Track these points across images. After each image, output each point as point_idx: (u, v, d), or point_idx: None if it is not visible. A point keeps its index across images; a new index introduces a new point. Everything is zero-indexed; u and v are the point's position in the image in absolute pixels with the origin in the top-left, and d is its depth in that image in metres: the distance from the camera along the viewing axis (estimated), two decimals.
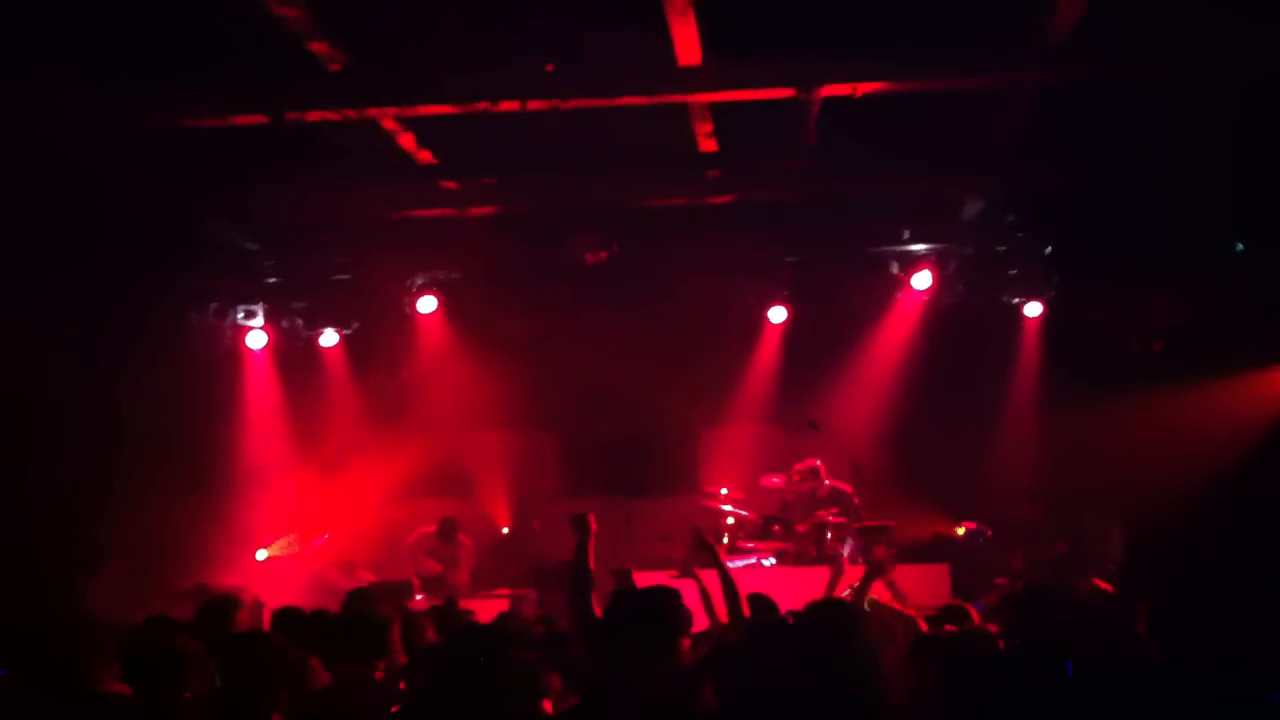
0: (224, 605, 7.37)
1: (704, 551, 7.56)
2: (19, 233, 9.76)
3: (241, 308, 13.19)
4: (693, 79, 8.93)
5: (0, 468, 10.34)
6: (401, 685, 6.02)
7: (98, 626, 6.52)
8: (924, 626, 6.91)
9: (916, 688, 5.35)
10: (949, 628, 6.86)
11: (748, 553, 12.12)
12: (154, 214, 10.90)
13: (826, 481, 12.16)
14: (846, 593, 7.46)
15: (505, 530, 13.93)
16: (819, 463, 12.18)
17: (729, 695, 4.81)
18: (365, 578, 12.40)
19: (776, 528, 12.24)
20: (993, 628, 6.83)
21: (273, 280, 13.18)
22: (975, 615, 7.41)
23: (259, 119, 8.96)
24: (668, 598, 5.13)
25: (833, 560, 11.30)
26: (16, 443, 10.48)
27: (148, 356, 11.68)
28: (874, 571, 7.49)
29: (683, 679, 4.87)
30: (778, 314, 13.13)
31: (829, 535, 11.79)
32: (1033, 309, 12.75)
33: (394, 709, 5.39)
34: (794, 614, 6.32)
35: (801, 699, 4.44)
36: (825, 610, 5.52)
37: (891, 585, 8.37)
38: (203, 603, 7.71)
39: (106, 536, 11.34)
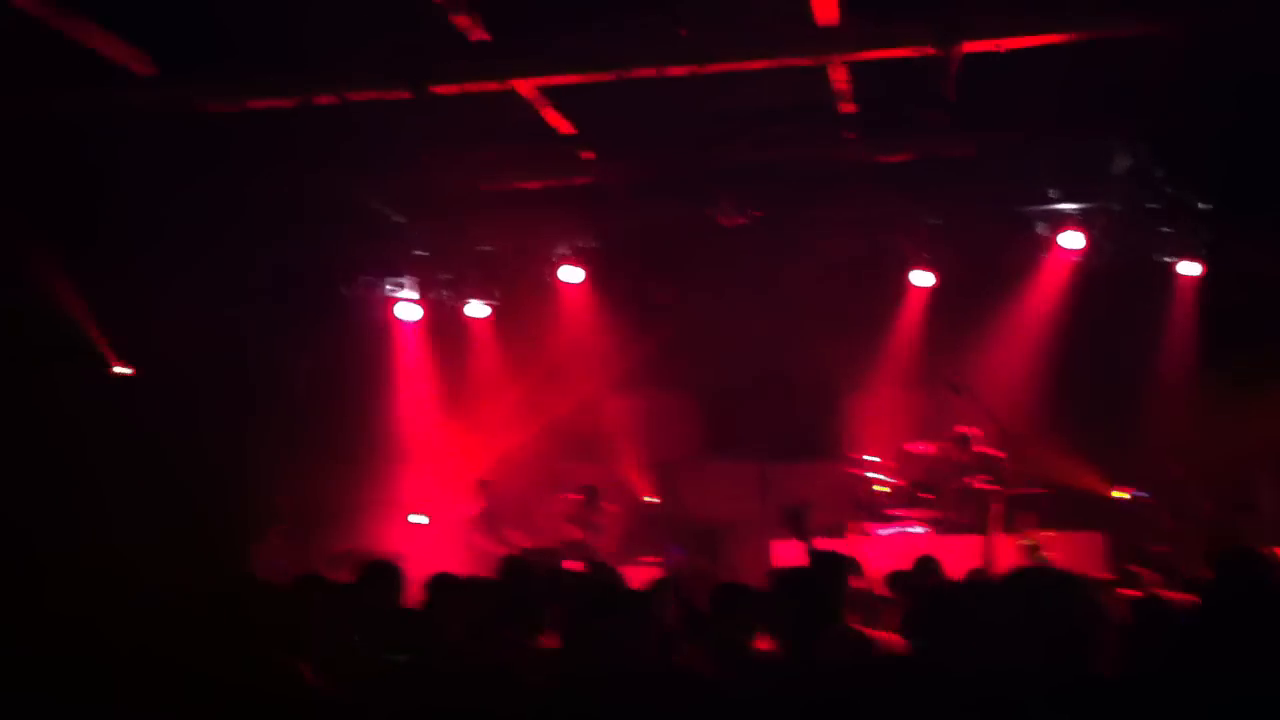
0: (386, 571, 7.52)
1: (794, 524, 7.47)
2: (183, 214, 10.15)
3: (390, 280, 13.49)
4: (831, 39, 8.85)
5: (171, 440, 10.79)
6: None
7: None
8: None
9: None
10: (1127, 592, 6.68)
11: (896, 520, 12.04)
12: (309, 189, 11.21)
13: (978, 448, 11.98)
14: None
15: (648, 496, 14.03)
16: (971, 429, 12.01)
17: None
18: (517, 543, 12.63)
19: (925, 495, 12.12)
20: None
21: (420, 252, 13.45)
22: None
23: (403, 94, 9.15)
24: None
25: (983, 528, 11.23)
26: (185, 415, 10.92)
27: (304, 329, 12.08)
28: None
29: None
30: (921, 276, 12.95)
31: (977, 502, 11.64)
32: (1187, 267, 12.34)
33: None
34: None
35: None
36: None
37: (1035, 550, 8.29)
38: (357, 567, 7.88)
39: (271, 504, 11.77)
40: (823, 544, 7.95)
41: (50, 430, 10.14)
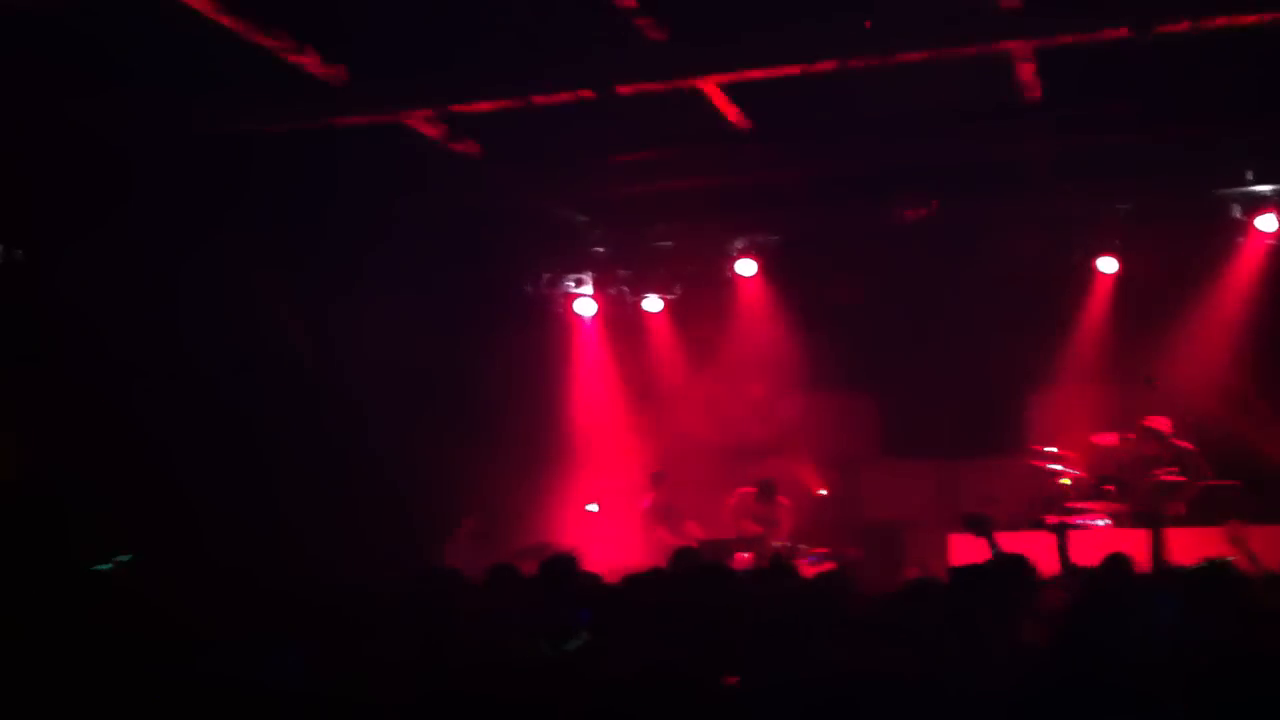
0: (565, 563, 7.67)
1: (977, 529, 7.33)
2: (363, 207, 10.50)
3: (571, 277, 13.73)
4: (1017, 24, 8.71)
5: (369, 442, 11.18)
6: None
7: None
8: None
9: None
10: None
11: (1080, 513, 11.76)
12: (491, 190, 11.48)
13: (1172, 441, 11.63)
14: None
15: (824, 492, 13.95)
16: (1160, 421, 11.67)
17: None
18: (693, 534, 12.71)
19: (1110, 488, 11.81)
20: None
21: (599, 249, 13.64)
22: None
23: (587, 94, 9.30)
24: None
25: (1172, 521, 10.92)
26: (381, 418, 11.30)
27: (493, 328, 12.38)
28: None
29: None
30: (1108, 265, 12.61)
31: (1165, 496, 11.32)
32: None
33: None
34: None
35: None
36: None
37: (1240, 544, 7.96)
38: (544, 559, 8.05)
39: (461, 501, 12.09)
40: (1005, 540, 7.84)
41: (254, 435, 10.57)
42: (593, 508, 13.44)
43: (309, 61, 9.04)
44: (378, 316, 11.09)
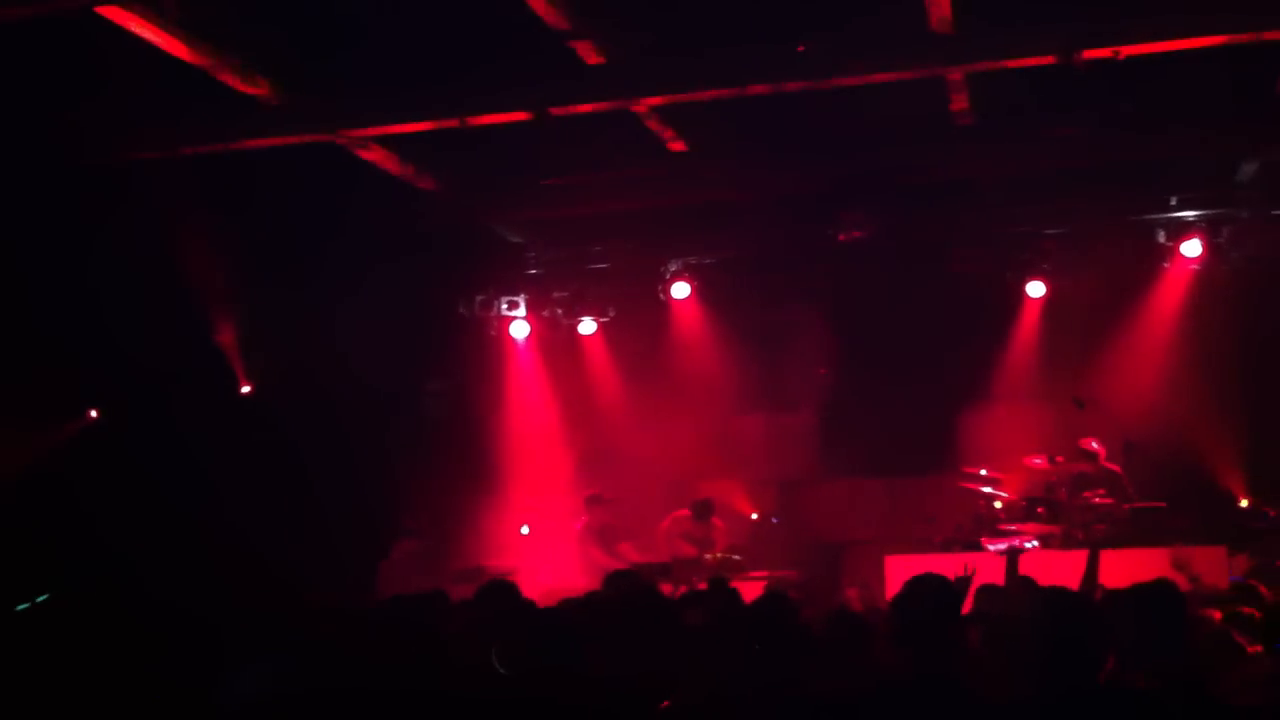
0: (503, 588, 7.63)
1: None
2: (303, 228, 10.44)
3: (505, 299, 13.69)
4: (948, 51, 8.84)
5: (300, 460, 11.07)
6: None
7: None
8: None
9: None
10: (1246, 610, 6.53)
11: (1009, 536, 11.87)
12: (427, 210, 11.46)
13: (1104, 463, 11.80)
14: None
15: (756, 517, 13.96)
16: (1096, 444, 11.83)
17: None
18: (628, 555, 12.68)
19: (1041, 509, 11.94)
20: None
21: (534, 271, 13.63)
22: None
23: (522, 116, 9.30)
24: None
25: (1099, 543, 11.05)
26: (311, 436, 11.19)
27: (428, 349, 12.32)
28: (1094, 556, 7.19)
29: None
30: (1037, 288, 12.79)
31: (1093, 518, 11.47)
32: None
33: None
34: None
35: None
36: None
37: (1184, 568, 8.09)
38: (481, 583, 8.00)
39: (398, 520, 12.00)
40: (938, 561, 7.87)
41: (182, 449, 10.44)
42: (525, 530, 13.37)
43: (242, 81, 8.97)
44: (311, 336, 11.00)
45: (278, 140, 9.74)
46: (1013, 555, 7.14)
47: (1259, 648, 5.56)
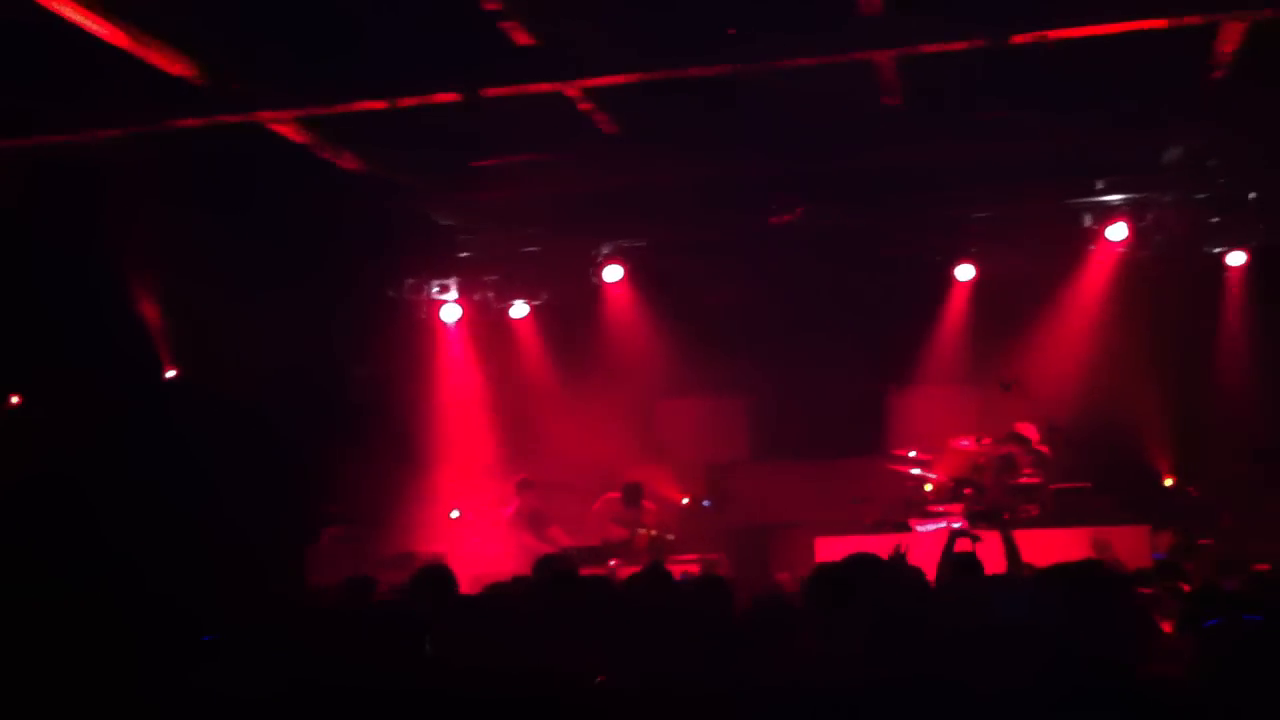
0: (437, 575, 7.57)
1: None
2: (230, 212, 10.28)
3: (436, 282, 13.58)
4: (876, 35, 8.84)
5: (227, 444, 10.90)
6: None
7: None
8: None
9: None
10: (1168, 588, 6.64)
11: (937, 517, 11.99)
12: (356, 193, 11.31)
13: (1034, 446, 11.93)
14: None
15: (687, 501, 13.98)
16: (1032, 429, 11.96)
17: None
18: (559, 540, 12.66)
19: (967, 491, 12.06)
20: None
21: (466, 254, 13.52)
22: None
23: (452, 98, 9.20)
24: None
25: (1025, 523, 11.20)
26: (239, 418, 11.03)
27: (357, 333, 12.19)
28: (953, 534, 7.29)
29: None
30: (965, 271, 12.90)
31: (1019, 498, 11.62)
32: (1236, 258, 12.25)
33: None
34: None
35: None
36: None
37: (1105, 549, 8.22)
38: (413, 570, 7.93)
39: (326, 505, 11.87)
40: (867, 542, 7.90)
41: (103, 435, 10.25)
42: (455, 515, 13.30)
43: (164, 62, 8.78)
44: (238, 319, 10.83)
45: (201, 122, 9.54)
46: (952, 537, 7.19)
47: (1170, 626, 5.66)
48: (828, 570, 5.27)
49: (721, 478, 14.17)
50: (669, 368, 13.59)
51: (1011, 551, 6.92)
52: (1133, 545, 10.48)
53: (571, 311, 13.75)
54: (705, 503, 13.82)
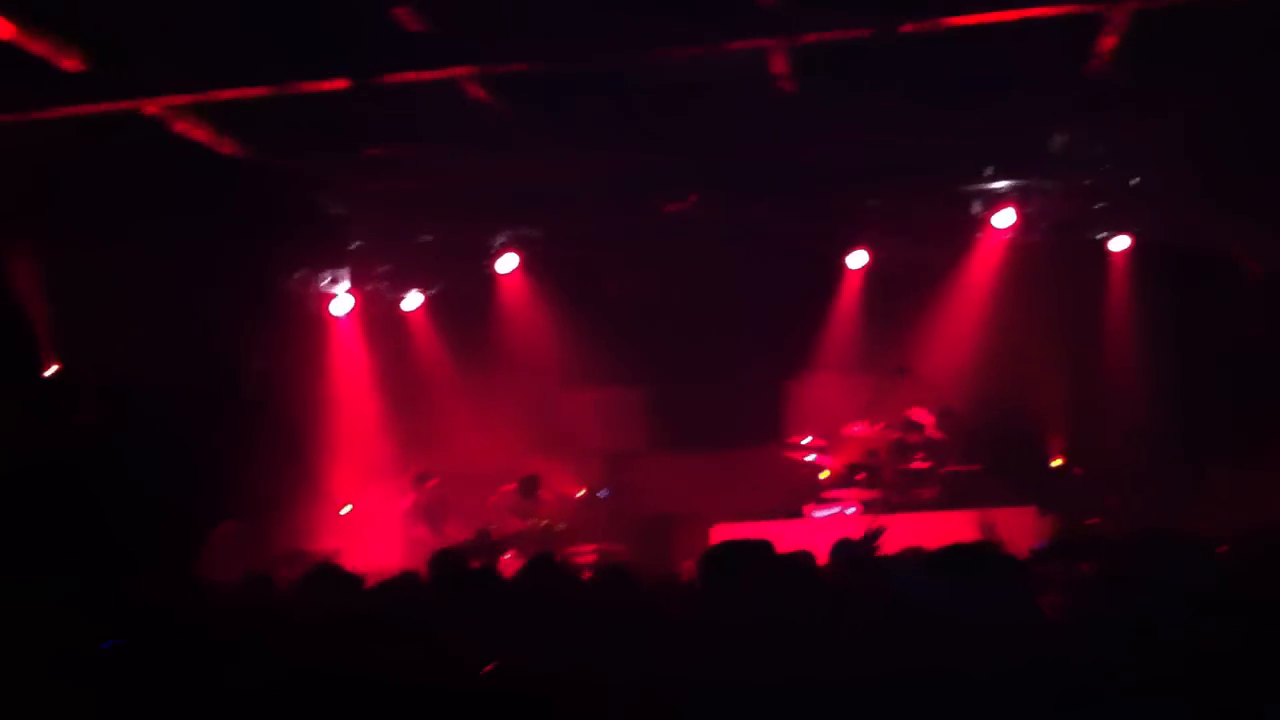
0: (330, 573, 7.44)
1: None
2: (116, 202, 9.99)
3: (327, 273, 13.35)
4: (770, 22, 8.87)
5: (121, 436, 10.61)
6: None
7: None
8: None
9: None
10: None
11: (832, 502, 12.11)
12: (244, 181, 11.07)
13: (928, 432, 12.09)
14: None
15: (583, 493, 13.92)
16: (927, 415, 12.11)
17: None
18: (455, 534, 12.55)
19: (861, 476, 12.19)
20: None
21: (357, 245, 13.31)
22: None
23: (342, 84, 9.04)
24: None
25: (918, 506, 11.38)
26: (127, 414, 10.74)
27: (246, 325, 11.93)
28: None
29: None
30: (858, 258, 13.02)
31: (912, 482, 11.78)
32: (1120, 243, 12.52)
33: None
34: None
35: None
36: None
37: (990, 530, 8.33)
38: (305, 568, 7.81)
39: (219, 502, 11.59)
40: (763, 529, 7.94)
41: None
42: (346, 510, 13.11)
43: (45, 49, 8.50)
44: (122, 313, 10.54)
45: (86, 109, 9.26)
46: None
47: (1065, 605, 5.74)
48: (716, 553, 5.30)
49: (621, 468, 14.14)
50: (566, 358, 13.53)
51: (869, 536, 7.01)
52: (1021, 526, 10.67)
53: (467, 303, 13.61)
54: (602, 492, 13.79)
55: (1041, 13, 8.78)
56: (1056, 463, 12.43)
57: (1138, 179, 12.08)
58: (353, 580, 7.30)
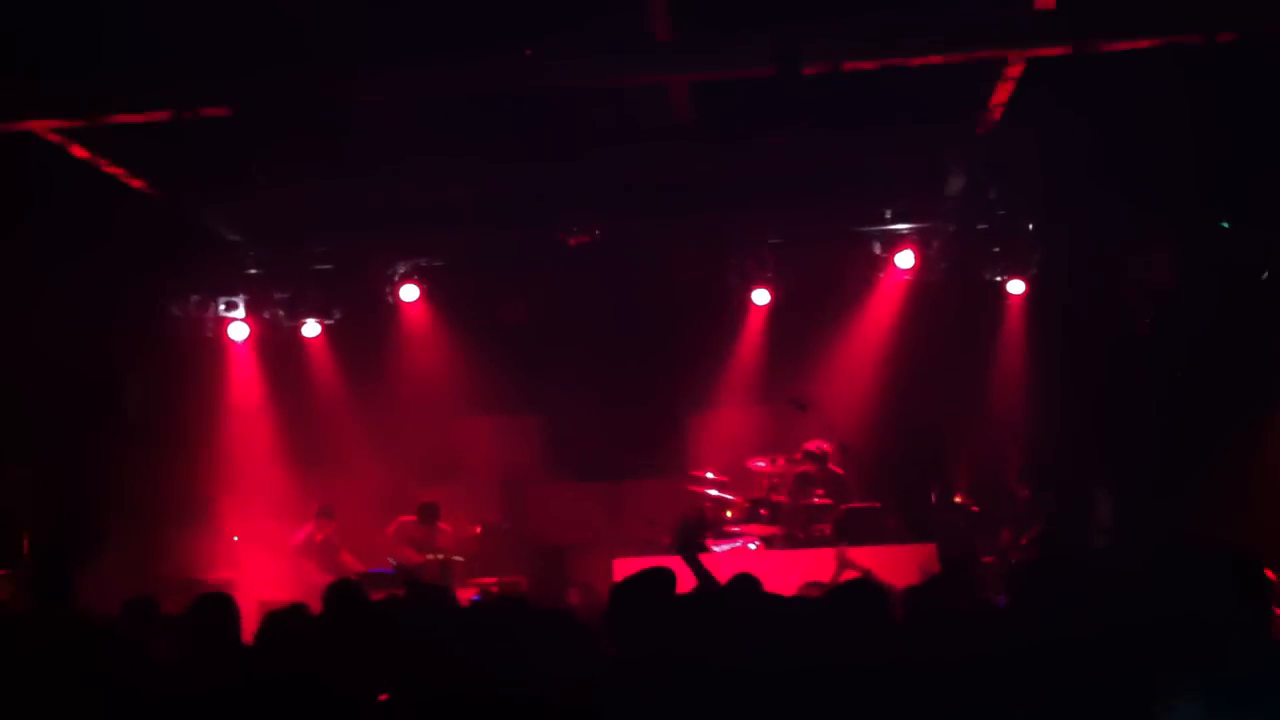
0: (219, 603, 7.28)
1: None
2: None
3: (223, 299, 13.12)
4: (670, 59, 8.92)
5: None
6: None
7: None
8: None
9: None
10: None
11: (734, 536, 12.11)
12: (136, 205, 10.87)
13: (830, 465, 12.15)
14: None
15: (480, 528, 13.76)
16: (827, 447, 12.17)
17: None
18: (351, 568, 12.37)
19: (764, 511, 12.22)
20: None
21: (254, 271, 13.12)
22: None
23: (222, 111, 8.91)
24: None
25: (818, 542, 11.40)
26: (27, 441, 10.51)
27: (132, 349, 11.69)
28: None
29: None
30: (761, 295, 13.10)
31: (812, 518, 11.83)
32: (1016, 286, 12.74)
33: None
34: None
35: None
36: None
37: (848, 565, 8.48)
38: (193, 598, 7.61)
39: (101, 528, 11.33)
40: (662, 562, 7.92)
41: None
42: (236, 539, 12.86)
43: None
44: (14, 337, 10.27)
45: None
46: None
47: None
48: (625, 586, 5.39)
49: (516, 496, 14.05)
50: (466, 386, 13.43)
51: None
52: (918, 563, 10.75)
53: (366, 330, 13.46)
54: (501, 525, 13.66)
55: (940, 60, 8.94)
56: (957, 499, 12.53)
57: (1032, 224, 12.30)
58: (236, 611, 7.17)
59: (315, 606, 7.14)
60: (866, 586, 5.54)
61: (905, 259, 12.60)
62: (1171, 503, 10.48)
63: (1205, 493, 10.36)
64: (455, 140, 10.74)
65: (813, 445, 12.21)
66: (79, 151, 9.93)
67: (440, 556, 12.27)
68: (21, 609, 9.58)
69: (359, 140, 10.37)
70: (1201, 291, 11.17)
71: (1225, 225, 11.20)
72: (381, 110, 9.89)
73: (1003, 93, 9.88)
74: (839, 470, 12.22)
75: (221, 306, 13.13)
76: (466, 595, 10.16)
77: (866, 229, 12.71)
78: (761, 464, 12.39)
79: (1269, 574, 4.65)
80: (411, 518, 12.82)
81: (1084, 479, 11.90)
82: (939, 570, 9.89)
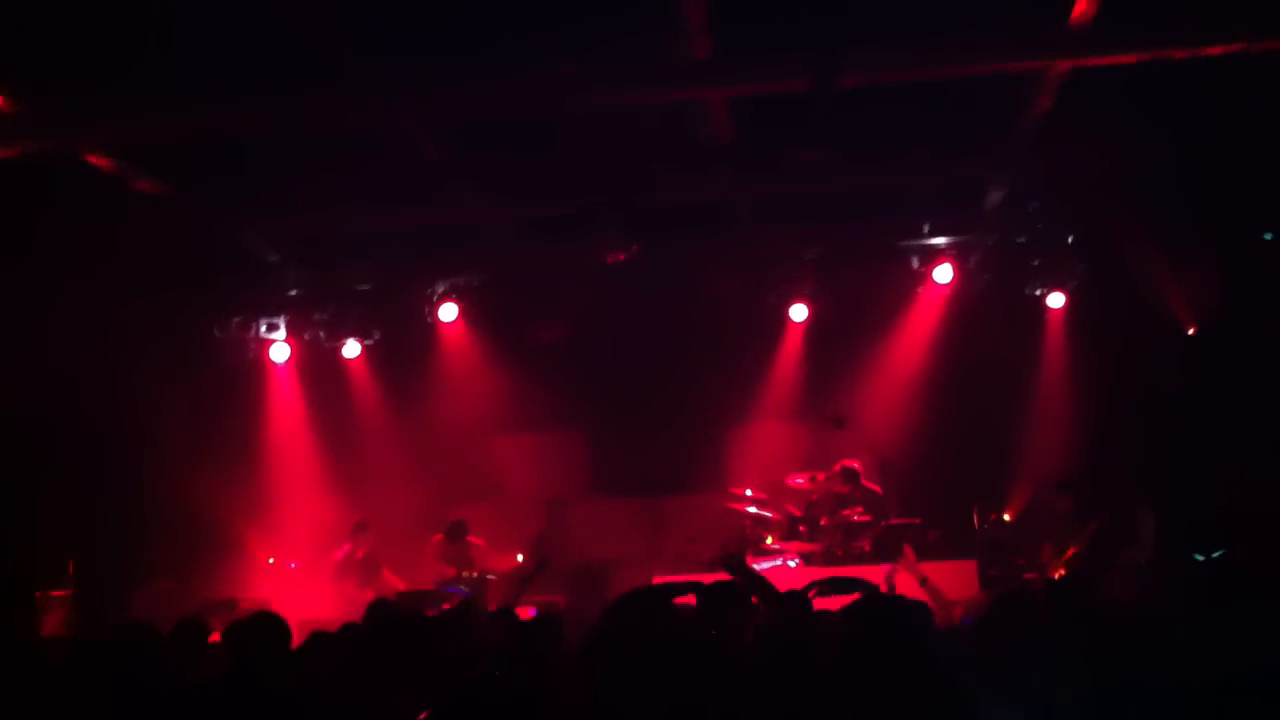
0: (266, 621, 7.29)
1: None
2: (44, 245, 9.84)
3: (264, 320, 13.22)
4: (707, 75, 8.93)
5: (46, 486, 10.45)
6: None
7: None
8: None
9: None
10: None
11: (773, 554, 12.07)
12: (178, 227, 10.94)
13: (864, 482, 12.08)
14: None
15: (520, 557, 13.71)
16: (854, 462, 12.11)
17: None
18: (392, 585, 12.37)
19: (803, 528, 12.17)
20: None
21: (294, 292, 13.21)
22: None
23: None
24: None
25: (858, 559, 11.33)
26: (49, 457, 10.57)
27: (178, 371, 11.76)
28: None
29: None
30: (799, 311, 13.07)
31: (851, 535, 11.76)
32: (1056, 299, 12.65)
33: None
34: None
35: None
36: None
37: (925, 582, 8.33)
38: (237, 617, 7.63)
39: (150, 550, 11.42)
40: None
41: None
42: (271, 560, 12.90)
43: None
44: (58, 360, 10.35)
45: (10, 153, 9.13)
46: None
47: None
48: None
49: (558, 514, 14.04)
50: (508, 404, 13.46)
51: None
52: (963, 580, 10.67)
53: (406, 350, 13.52)
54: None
55: (979, 71, 8.91)
56: (1007, 516, 12.43)
57: (1072, 237, 12.22)
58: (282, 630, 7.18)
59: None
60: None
61: (944, 273, 12.55)
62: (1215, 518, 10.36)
63: (1248, 506, 10.25)
64: (492, 161, 10.78)
65: (845, 464, 12.16)
66: (118, 170, 9.98)
67: (474, 573, 12.25)
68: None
69: (397, 162, 10.39)
70: (1245, 303, 11.07)
71: (1269, 236, 11.10)
72: (420, 133, 9.90)
73: (1042, 105, 9.82)
74: (874, 487, 12.15)
75: (263, 328, 13.26)
76: (525, 613, 10.09)
77: (905, 243, 12.68)
78: (800, 480, 12.34)
79: None
80: (440, 536, 12.83)
81: (1126, 494, 11.77)
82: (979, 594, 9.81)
